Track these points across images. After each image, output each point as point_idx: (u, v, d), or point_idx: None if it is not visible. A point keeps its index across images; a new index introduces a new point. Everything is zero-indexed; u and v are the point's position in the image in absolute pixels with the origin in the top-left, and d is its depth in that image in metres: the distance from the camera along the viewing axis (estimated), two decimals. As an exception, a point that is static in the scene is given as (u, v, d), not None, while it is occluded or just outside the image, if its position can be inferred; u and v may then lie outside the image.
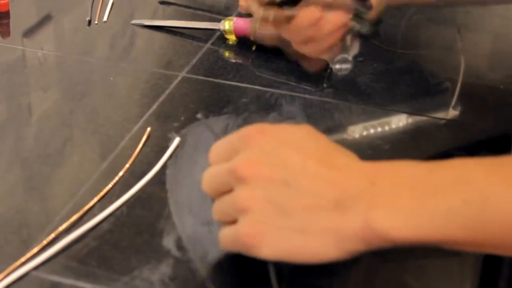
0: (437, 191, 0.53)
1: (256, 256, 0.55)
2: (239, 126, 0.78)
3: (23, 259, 0.59)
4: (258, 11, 0.83)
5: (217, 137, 0.75)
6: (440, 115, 0.82)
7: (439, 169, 0.55)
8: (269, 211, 0.55)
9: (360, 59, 0.91)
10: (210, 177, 0.59)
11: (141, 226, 0.64)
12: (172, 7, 1.05)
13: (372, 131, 0.80)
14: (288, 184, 0.55)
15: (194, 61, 0.89)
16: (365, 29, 0.81)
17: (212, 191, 0.59)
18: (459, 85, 0.87)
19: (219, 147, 0.60)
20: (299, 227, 0.54)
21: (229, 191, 0.57)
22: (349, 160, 0.57)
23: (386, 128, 0.80)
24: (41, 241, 0.61)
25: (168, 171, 0.70)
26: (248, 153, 0.57)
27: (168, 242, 0.62)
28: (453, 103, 0.84)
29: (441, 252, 0.55)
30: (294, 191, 0.55)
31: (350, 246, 0.54)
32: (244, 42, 0.92)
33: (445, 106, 0.84)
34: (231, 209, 0.57)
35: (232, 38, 0.93)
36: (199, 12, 1.02)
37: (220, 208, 0.58)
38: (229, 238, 0.57)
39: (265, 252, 0.55)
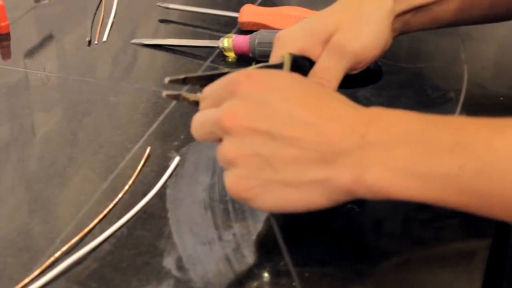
0: (433, 153, 0.51)
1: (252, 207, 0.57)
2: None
3: (23, 283, 0.59)
4: None
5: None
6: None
7: (438, 125, 0.53)
8: (255, 165, 0.55)
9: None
10: (198, 124, 0.61)
11: (141, 247, 0.64)
12: (172, 25, 1.05)
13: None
14: (273, 135, 0.54)
15: (194, 79, 0.89)
16: None
17: (200, 139, 0.61)
18: (462, 95, 0.87)
19: (208, 92, 0.61)
20: (286, 180, 0.54)
21: (218, 139, 0.58)
22: (341, 106, 0.55)
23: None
24: (42, 263, 0.61)
25: (168, 191, 0.70)
26: (233, 103, 0.56)
27: (169, 262, 0.62)
28: (457, 113, 0.84)
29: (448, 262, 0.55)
30: (279, 142, 0.54)
31: (338, 197, 0.54)
32: (243, 59, 0.92)
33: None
34: (220, 161, 0.57)
35: (231, 55, 0.93)
36: (199, 29, 1.03)
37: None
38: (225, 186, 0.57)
39: (257, 205, 0.56)
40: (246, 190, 0.55)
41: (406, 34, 0.83)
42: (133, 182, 0.71)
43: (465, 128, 0.53)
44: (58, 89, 0.91)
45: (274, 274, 0.61)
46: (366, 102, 0.85)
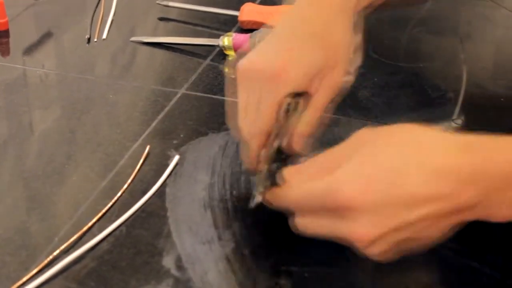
0: None
1: None
2: (238, 144, 0.77)
3: (22, 281, 0.59)
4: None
5: (216, 154, 0.74)
6: (444, 125, 0.82)
7: None
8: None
9: (361, 71, 0.91)
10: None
11: (140, 246, 0.63)
12: (171, 23, 1.05)
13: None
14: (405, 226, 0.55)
15: (193, 77, 0.89)
16: None
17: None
18: (461, 96, 0.87)
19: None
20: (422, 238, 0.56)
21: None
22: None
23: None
24: (40, 262, 0.61)
25: (167, 190, 0.70)
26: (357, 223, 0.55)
27: (168, 261, 0.62)
28: (455, 114, 0.84)
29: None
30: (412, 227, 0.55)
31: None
32: (243, 58, 0.92)
33: (447, 117, 0.83)
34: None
35: (231, 54, 0.93)
36: (199, 28, 1.02)
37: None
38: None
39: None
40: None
41: None
42: (132, 181, 0.71)
43: None
44: (57, 86, 0.90)
45: (274, 274, 0.60)
46: (366, 102, 0.85)
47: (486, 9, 1.08)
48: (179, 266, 0.61)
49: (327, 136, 0.80)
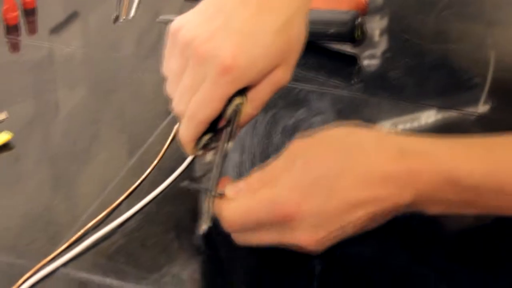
0: None
1: None
2: (268, 123, 0.76)
3: (51, 256, 0.59)
4: None
5: (245, 132, 0.74)
6: (471, 110, 0.81)
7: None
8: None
9: (390, 54, 0.90)
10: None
11: (169, 223, 0.63)
12: (197, 3, 1.03)
13: (402, 126, 0.78)
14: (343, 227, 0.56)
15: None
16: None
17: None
18: (489, 80, 0.86)
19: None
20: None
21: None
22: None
23: (416, 123, 0.79)
24: (69, 238, 0.60)
25: (197, 167, 0.69)
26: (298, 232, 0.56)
27: (197, 239, 0.61)
28: (483, 98, 0.83)
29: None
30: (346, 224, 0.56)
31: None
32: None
33: (475, 101, 0.83)
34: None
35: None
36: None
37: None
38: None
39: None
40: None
41: None
42: (160, 159, 0.70)
43: None
44: (84, 65, 0.90)
45: (305, 253, 0.60)
46: (396, 83, 0.84)
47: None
48: (209, 243, 0.61)
49: (357, 118, 0.79)
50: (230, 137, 0.60)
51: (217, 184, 0.58)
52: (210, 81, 0.58)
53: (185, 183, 0.65)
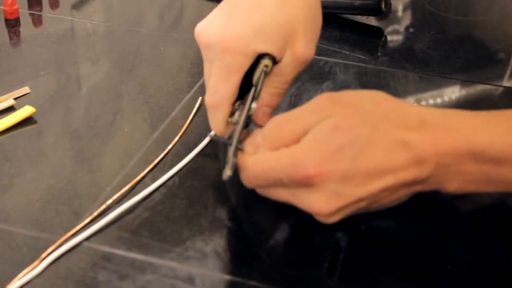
0: None
1: None
2: (293, 95, 0.76)
3: (74, 230, 0.58)
4: None
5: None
6: (496, 83, 0.80)
7: None
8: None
9: (415, 27, 0.88)
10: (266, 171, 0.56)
11: (193, 197, 0.62)
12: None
13: (428, 99, 0.77)
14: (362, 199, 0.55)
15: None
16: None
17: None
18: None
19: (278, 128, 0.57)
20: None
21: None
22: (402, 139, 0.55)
23: (444, 95, 0.78)
24: (93, 212, 0.60)
25: (220, 140, 0.68)
26: (315, 197, 0.55)
27: (221, 213, 0.61)
28: (509, 71, 0.82)
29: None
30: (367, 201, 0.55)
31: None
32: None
33: (501, 74, 0.82)
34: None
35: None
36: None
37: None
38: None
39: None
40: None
41: None
42: (184, 132, 0.70)
43: None
44: (106, 39, 0.89)
45: (331, 227, 0.59)
46: (423, 55, 0.83)
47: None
48: (232, 217, 0.60)
49: (382, 90, 0.78)
50: (254, 97, 0.61)
51: (239, 138, 0.58)
52: (217, 61, 0.61)
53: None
